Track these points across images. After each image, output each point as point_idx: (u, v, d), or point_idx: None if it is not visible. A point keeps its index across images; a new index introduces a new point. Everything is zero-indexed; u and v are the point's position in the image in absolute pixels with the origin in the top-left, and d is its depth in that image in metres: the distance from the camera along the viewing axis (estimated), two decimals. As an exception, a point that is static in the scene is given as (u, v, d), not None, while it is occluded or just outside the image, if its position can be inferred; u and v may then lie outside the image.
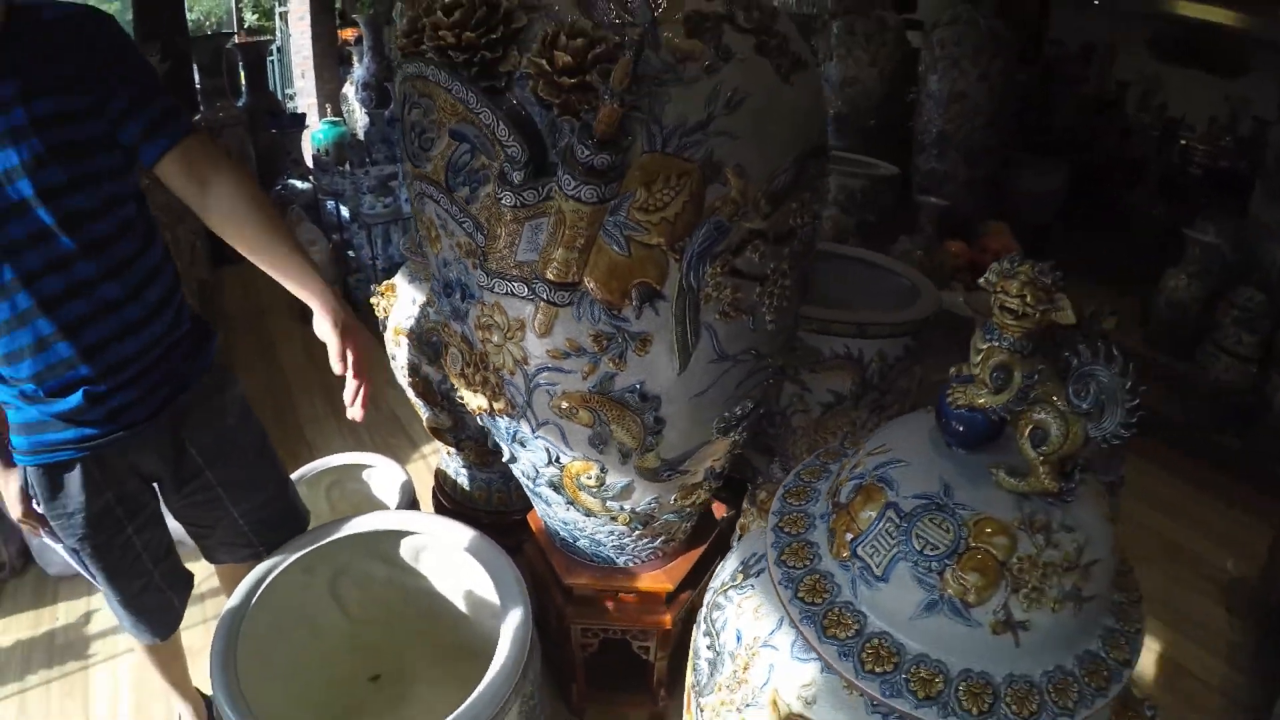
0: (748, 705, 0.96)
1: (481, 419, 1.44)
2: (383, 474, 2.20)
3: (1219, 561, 2.46)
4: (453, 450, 2.22)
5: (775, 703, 0.92)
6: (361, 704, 1.75)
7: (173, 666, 1.73)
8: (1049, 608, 0.83)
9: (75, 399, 1.23)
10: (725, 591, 1.11)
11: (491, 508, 2.27)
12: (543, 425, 1.29)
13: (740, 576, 1.10)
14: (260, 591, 1.45)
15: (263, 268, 1.35)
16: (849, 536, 0.91)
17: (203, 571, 1.68)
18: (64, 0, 1.19)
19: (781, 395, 1.92)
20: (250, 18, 13.62)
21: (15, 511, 1.37)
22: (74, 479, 1.31)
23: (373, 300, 2.10)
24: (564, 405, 1.23)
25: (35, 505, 1.35)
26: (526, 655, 1.31)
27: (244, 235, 1.29)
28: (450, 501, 2.33)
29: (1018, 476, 0.86)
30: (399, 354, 2.02)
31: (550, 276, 1.08)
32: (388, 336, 2.05)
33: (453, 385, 1.45)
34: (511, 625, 1.33)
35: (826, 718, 0.87)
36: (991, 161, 4.10)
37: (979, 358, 0.86)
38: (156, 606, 1.54)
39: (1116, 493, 1.80)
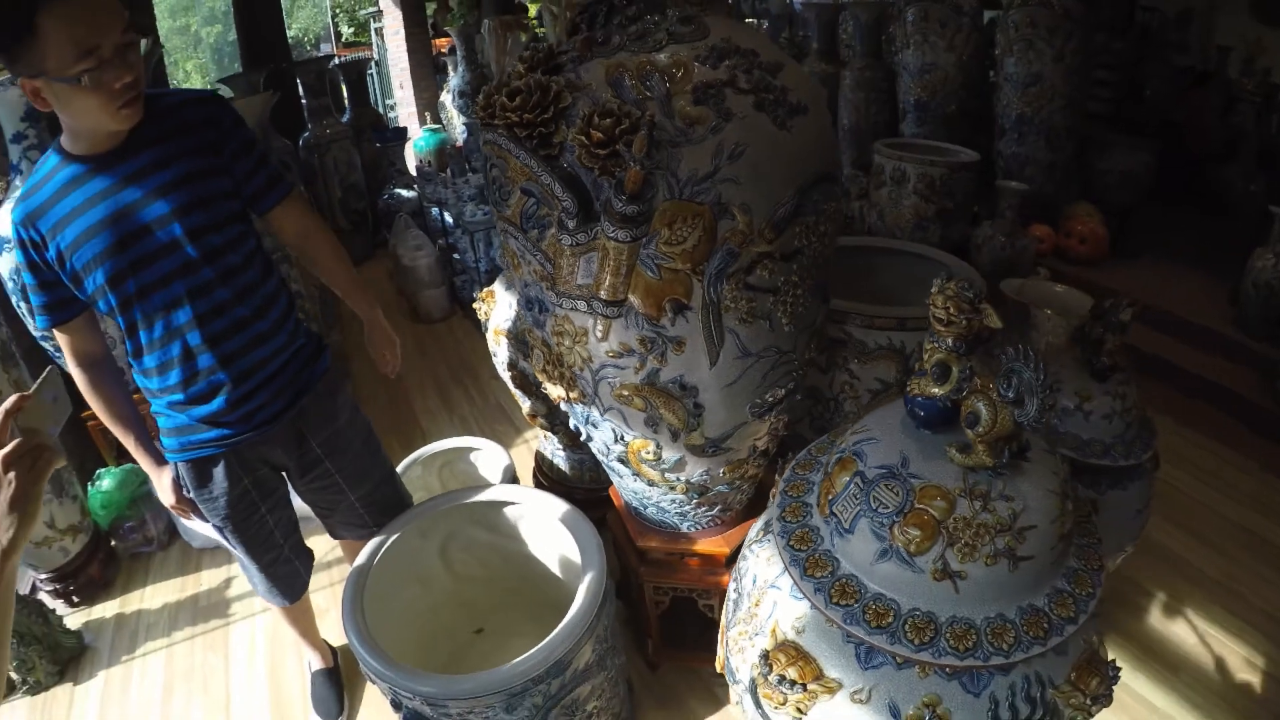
0: (756, 634, 1.19)
1: (563, 406, 1.66)
2: (487, 456, 2.45)
3: (1299, 554, 2.37)
4: (549, 434, 2.41)
5: (774, 631, 1.15)
6: (465, 652, 1.98)
7: (302, 620, 2.04)
8: (982, 562, 1.02)
9: (217, 403, 1.51)
10: (751, 545, 1.34)
11: (584, 484, 2.47)
12: (608, 410, 1.51)
13: (761, 533, 1.32)
14: (382, 552, 1.70)
15: (333, 289, 1.79)
16: (829, 497, 1.13)
17: (328, 544, 1.93)
18: (181, 89, 1.55)
19: (834, 383, 2.10)
20: (346, 31, 14.52)
21: (168, 499, 1.63)
22: (219, 470, 1.59)
23: (475, 305, 2.30)
24: (623, 394, 1.45)
25: (185, 493, 1.62)
26: (600, 603, 1.51)
27: (324, 267, 1.71)
28: (548, 479, 2.55)
29: (964, 452, 1.06)
30: (499, 351, 2.20)
31: (603, 296, 1.31)
32: (489, 336, 2.23)
33: (542, 378, 1.69)
34: (589, 578, 1.54)
35: (810, 643, 1.10)
36: (1073, 142, 3.95)
37: (926, 356, 1.07)
38: (286, 574, 1.82)
39: (1148, 476, 1.84)
